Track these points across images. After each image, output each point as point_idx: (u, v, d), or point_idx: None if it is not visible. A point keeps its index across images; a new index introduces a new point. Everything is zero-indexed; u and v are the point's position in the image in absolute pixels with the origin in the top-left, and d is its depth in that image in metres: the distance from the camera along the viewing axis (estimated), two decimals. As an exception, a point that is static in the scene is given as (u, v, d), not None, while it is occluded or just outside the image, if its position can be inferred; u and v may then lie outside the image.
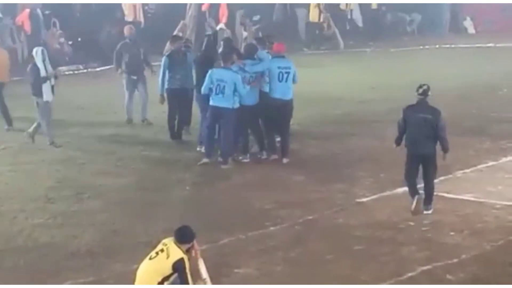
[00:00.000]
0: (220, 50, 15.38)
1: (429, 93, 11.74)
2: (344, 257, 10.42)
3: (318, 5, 27.32)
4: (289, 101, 14.43)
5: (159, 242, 8.79)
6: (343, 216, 11.88)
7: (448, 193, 12.62)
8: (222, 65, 14.11)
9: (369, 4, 29.28)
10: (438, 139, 11.68)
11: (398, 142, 12.02)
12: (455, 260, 10.24)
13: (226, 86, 13.87)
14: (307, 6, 27.95)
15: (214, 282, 9.04)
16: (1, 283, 9.81)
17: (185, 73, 15.51)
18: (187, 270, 8.51)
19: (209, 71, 14.08)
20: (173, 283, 8.54)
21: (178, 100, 15.61)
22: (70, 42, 23.72)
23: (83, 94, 19.46)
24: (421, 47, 27.45)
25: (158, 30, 23.09)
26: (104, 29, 24.33)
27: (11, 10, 23.56)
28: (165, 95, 15.69)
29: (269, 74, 14.28)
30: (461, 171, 13.69)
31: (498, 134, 15.91)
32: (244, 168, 14.15)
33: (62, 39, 23.31)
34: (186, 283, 8.49)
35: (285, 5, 28.12)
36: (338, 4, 28.28)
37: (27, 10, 23.17)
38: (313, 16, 27.51)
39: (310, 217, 11.79)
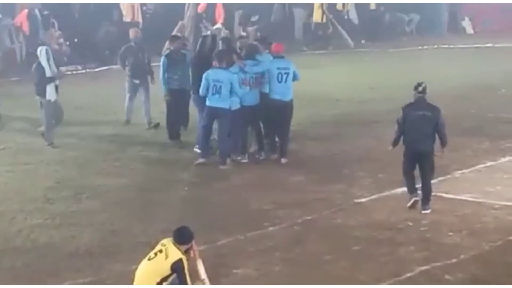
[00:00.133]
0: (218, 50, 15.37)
1: (427, 90, 11.83)
2: (343, 257, 10.43)
3: (321, 5, 27.36)
4: (289, 102, 14.43)
5: (158, 242, 8.80)
6: (342, 216, 11.89)
7: (446, 193, 12.63)
8: (217, 65, 14.11)
9: (368, 4, 29.27)
10: (438, 135, 11.80)
11: (396, 143, 12.04)
12: (454, 260, 10.25)
13: (223, 86, 13.87)
14: (305, 6, 27.95)
15: (212, 282, 9.04)
16: (0, 283, 9.81)
17: (183, 74, 15.51)
18: (186, 271, 8.51)
19: (205, 73, 14.08)
20: (171, 283, 8.54)
21: (177, 100, 15.61)
22: (67, 43, 23.69)
23: (81, 95, 19.44)
24: (420, 47, 27.45)
25: (156, 31, 23.07)
26: (102, 30, 24.32)
27: (10, 10, 23.56)
28: (164, 93, 15.70)
29: (268, 75, 14.29)
30: (460, 171, 13.70)
31: (496, 134, 15.92)
32: (242, 169, 14.15)
33: (61, 40, 23.30)
34: (185, 283, 8.49)
35: (283, 5, 28.11)
36: (334, 4, 28.26)
37: (25, 11, 23.16)
38: (317, 16, 27.53)
39: (309, 218, 11.79)
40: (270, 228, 11.42)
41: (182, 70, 15.53)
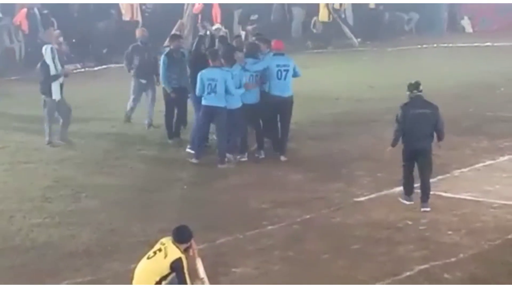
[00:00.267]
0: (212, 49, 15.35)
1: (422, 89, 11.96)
2: (342, 256, 10.43)
3: (327, 5, 27.38)
4: (289, 98, 14.44)
5: (156, 241, 8.78)
6: (341, 215, 11.89)
7: (445, 192, 12.63)
8: (211, 64, 14.11)
9: (367, 4, 29.25)
10: (436, 132, 11.83)
11: (396, 142, 12.04)
12: (453, 259, 10.25)
13: (218, 85, 13.86)
14: (303, 5, 27.94)
15: (211, 281, 9.03)
16: (-1, 283, 9.82)
17: (182, 72, 15.50)
18: (185, 270, 8.50)
19: (199, 73, 14.08)
20: (170, 282, 8.53)
21: (176, 99, 15.60)
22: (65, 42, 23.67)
23: (80, 94, 19.41)
24: (419, 46, 27.42)
25: (155, 30, 23.03)
26: (100, 28, 24.31)
27: (10, 9, 23.55)
28: (163, 93, 15.70)
29: (268, 72, 14.30)
30: (459, 170, 13.70)
31: (495, 133, 15.91)
32: (241, 168, 14.15)
33: (60, 39, 23.28)
34: (184, 282, 8.48)
35: (283, 5, 28.08)
36: (332, 4, 28.24)
37: (24, 10, 23.15)
38: (323, 16, 27.53)
39: (308, 216, 11.79)
40: (269, 227, 11.42)
41: (181, 69, 15.52)
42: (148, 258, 8.63)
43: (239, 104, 14.11)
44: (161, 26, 22.74)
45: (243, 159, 14.47)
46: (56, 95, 15.13)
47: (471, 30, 31.05)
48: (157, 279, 8.49)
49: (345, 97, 19.35)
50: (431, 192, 12.04)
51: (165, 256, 8.51)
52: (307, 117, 17.12)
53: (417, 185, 12.10)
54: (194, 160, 14.25)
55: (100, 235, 11.19)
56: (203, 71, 14.08)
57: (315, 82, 19.82)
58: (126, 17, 24.91)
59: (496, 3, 29.12)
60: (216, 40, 15.64)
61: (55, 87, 15.10)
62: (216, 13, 24.63)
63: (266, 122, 14.64)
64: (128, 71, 16.88)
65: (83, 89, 20.35)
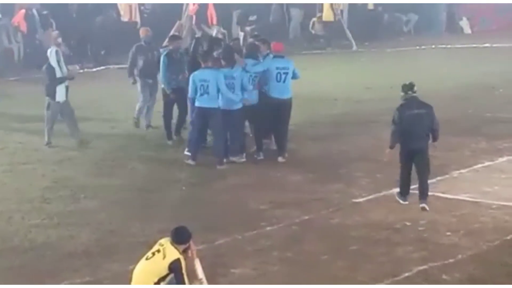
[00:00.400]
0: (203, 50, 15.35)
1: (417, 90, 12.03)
2: (341, 257, 10.43)
3: (331, 5, 27.41)
4: (288, 100, 14.45)
5: (155, 242, 8.78)
6: (340, 216, 11.89)
7: (444, 193, 12.64)
8: (202, 65, 14.11)
9: (365, 5, 29.27)
10: (431, 132, 11.88)
11: (393, 145, 12.05)
12: (452, 260, 10.25)
13: (210, 86, 13.85)
14: (301, 6, 27.95)
15: (210, 282, 9.02)
16: (-2, 284, 9.82)
17: (181, 73, 15.49)
18: (183, 271, 8.50)
19: (191, 75, 14.09)
20: (169, 283, 8.53)
21: (175, 100, 15.59)
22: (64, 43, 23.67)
23: (79, 94, 19.39)
24: (418, 47, 27.45)
25: (154, 30, 23.01)
26: (99, 29, 24.31)
27: (9, 10, 23.56)
28: (162, 93, 15.71)
29: (268, 74, 14.31)
30: (457, 171, 13.71)
31: (494, 134, 15.91)
32: (240, 169, 14.15)
33: (59, 40, 23.26)
34: (182, 283, 8.48)
35: (281, 5, 28.10)
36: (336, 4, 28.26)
37: (23, 11, 23.16)
38: (328, 15, 27.55)
39: (307, 217, 11.80)
40: (268, 228, 11.42)
41: (181, 69, 15.52)
42: (147, 259, 8.62)
43: (239, 105, 14.11)
44: (160, 27, 22.73)
45: (242, 160, 14.47)
46: (60, 98, 15.11)
47: (469, 31, 31.08)
48: (156, 280, 8.48)
49: (344, 98, 19.37)
50: (430, 193, 12.05)
51: (164, 257, 8.51)
52: (306, 118, 17.13)
53: (414, 186, 12.11)
54: (190, 162, 14.24)
55: (99, 236, 11.19)
56: (195, 72, 14.09)
57: (314, 83, 19.83)
58: (125, 18, 24.91)
59: (495, 3, 29.15)
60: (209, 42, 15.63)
61: (60, 89, 15.09)
62: (211, 14, 24.59)
63: (264, 124, 14.63)
64: (129, 75, 16.70)
65: (82, 90, 20.28)
